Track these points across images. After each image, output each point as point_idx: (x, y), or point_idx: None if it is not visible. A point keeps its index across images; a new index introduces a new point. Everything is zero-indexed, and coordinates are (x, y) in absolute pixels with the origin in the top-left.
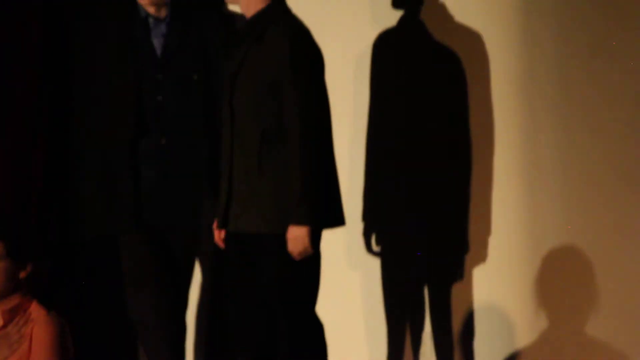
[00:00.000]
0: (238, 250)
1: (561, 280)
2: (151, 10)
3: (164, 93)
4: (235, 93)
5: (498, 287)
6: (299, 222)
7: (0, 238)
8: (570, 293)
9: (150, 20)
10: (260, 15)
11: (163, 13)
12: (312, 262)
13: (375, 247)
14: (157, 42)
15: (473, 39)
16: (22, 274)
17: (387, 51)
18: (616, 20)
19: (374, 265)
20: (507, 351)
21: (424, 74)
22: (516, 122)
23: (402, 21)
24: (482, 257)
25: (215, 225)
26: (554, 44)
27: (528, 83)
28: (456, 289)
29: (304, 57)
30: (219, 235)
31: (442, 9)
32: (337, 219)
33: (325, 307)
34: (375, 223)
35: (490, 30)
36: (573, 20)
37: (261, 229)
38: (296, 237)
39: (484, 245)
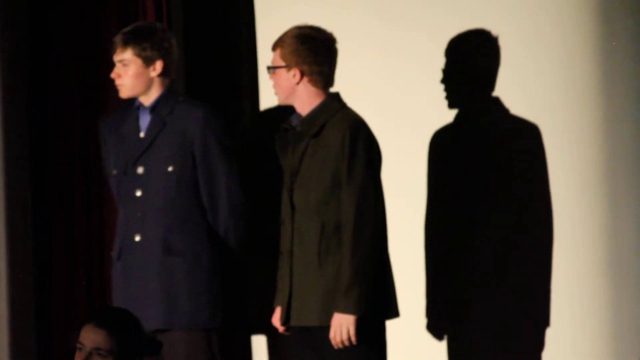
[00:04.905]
0: (303, 343)
1: None
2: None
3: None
4: (296, 189)
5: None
6: (344, 311)
7: (113, 334)
8: None
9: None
10: (317, 112)
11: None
12: (376, 353)
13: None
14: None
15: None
16: None
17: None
18: None
19: None
20: None
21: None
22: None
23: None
24: None
25: (275, 319)
26: (633, 37)
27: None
28: None
29: (361, 150)
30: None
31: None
32: (390, 312)
33: None
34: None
35: (565, 26)
36: None
37: (323, 322)
38: (340, 324)
39: None
